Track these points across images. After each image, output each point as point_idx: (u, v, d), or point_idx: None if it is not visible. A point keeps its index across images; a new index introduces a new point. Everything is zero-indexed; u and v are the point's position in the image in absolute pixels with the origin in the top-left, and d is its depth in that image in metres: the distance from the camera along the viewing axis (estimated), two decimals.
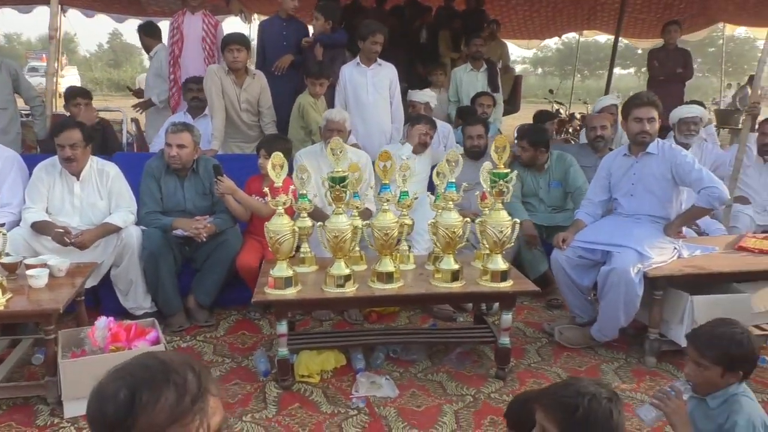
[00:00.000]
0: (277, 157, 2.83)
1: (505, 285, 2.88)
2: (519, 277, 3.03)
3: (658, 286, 3.07)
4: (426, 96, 4.76)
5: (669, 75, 6.43)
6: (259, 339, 3.43)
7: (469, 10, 8.49)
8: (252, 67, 4.63)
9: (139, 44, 5.62)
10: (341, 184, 2.78)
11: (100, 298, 3.57)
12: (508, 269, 2.92)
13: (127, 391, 0.97)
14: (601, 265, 3.18)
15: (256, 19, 10.96)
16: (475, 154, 4.21)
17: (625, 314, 3.09)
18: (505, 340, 2.95)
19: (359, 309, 3.64)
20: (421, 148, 4.24)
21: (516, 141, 4.29)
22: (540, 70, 41.69)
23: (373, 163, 3.30)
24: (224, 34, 4.74)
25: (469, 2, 8.58)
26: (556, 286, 3.67)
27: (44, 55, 16.04)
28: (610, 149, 4.31)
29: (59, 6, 9.82)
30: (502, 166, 2.86)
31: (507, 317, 2.92)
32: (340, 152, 2.81)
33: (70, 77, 19.46)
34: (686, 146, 4.13)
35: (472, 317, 3.61)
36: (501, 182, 2.84)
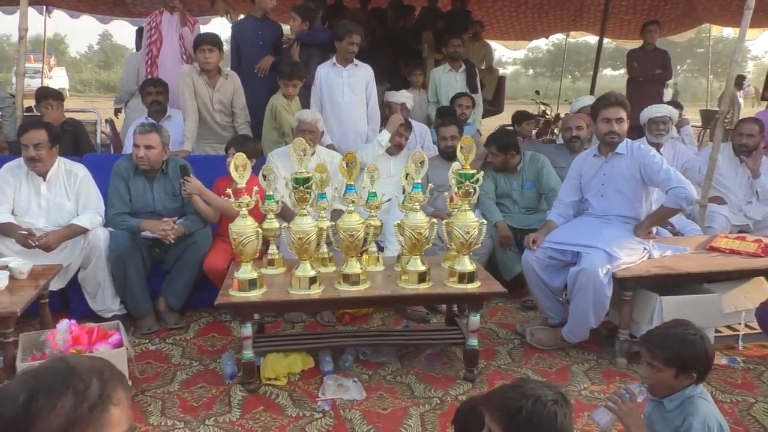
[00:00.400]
0: (240, 157, 2.80)
1: (473, 286, 2.86)
2: (487, 278, 3.01)
3: (628, 286, 3.05)
4: (402, 97, 4.74)
5: (647, 76, 6.43)
6: (229, 341, 3.40)
7: (453, 11, 8.49)
8: (226, 68, 4.59)
9: (129, 45, 5.59)
10: (305, 185, 2.75)
11: (69, 301, 3.53)
12: (475, 270, 2.90)
13: (26, 394, 0.98)
14: (571, 266, 3.16)
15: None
16: (450, 155, 4.18)
17: (595, 315, 3.08)
18: (473, 341, 2.93)
19: (332, 311, 3.62)
20: (396, 149, 4.22)
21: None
22: (531, 71, 41.75)
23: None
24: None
25: (454, 3, 8.58)
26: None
27: (32, 57, 15.95)
28: (587, 150, 4.30)
29: (44, 7, 9.91)
30: (469, 167, 2.84)
31: (475, 319, 2.90)
32: (304, 153, 2.78)
33: (58, 78, 19.35)
34: (657, 146, 4.13)
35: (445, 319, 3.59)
36: (467, 183, 2.82)
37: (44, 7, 9.84)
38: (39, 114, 4.32)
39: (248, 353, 2.82)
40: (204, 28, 10.46)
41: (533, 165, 4.07)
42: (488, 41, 9.75)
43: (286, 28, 5.36)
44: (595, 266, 2.97)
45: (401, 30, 7.88)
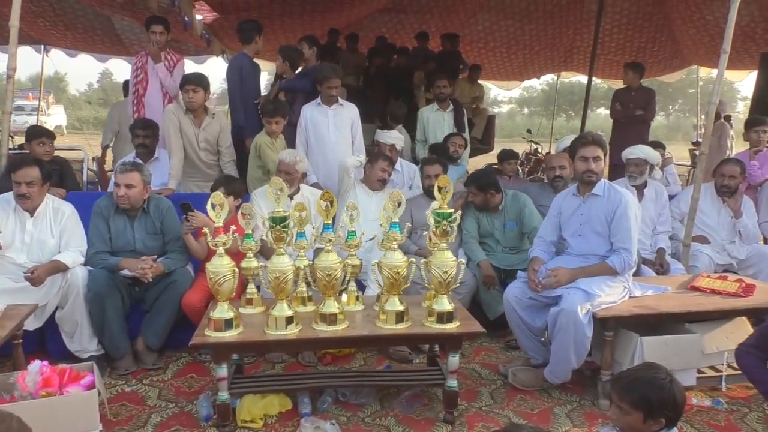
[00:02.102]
0: (217, 196, 2.81)
1: (451, 326, 2.83)
2: (467, 318, 2.98)
3: (608, 326, 3.03)
4: (391, 138, 4.78)
5: (628, 117, 6.51)
6: (207, 382, 3.34)
7: (444, 52, 8.66)
8: (212, 107, 4.65)
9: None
10: (282, 225, 2.76)
11: (45, 341, 3.48)
12: (454, 310, 2.87)
13: None
14: (552, 306, 3.14)
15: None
16: (429, 192, 4.21)
17: (576, 355, 3.05)
18: (452, 382, 2.89)
19: (313, 351, 3.57)
20: (379, 185, 4.24)
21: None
22: (526, 110, 42.28)
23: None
24: (183, 72, 4.85)
25: (444, 44, 8.77)
26: None
27: (30, 94, 16.16)
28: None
29: (42, 46, 10.08)
30: (446, 206, 2.85)
31: (454, 359, 2.86)
32: (282, 192, 2.79)
33: (56, 116, 19.56)
34: (638, 187, 4.14)
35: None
36: (445, 222, 2.82)
37: (42, 46, 10.03)
38: (28, 151, 4.34)
39: (223, 395, 2.77)
40: (200, 68, 10.67)
41: (515, 204, 4.08)
42: (482, 81, 9.95)
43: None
44: (574, 306, 2.95)
45: (393, 70, 8.03)
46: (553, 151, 10.49)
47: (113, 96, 38.08)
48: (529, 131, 10.29)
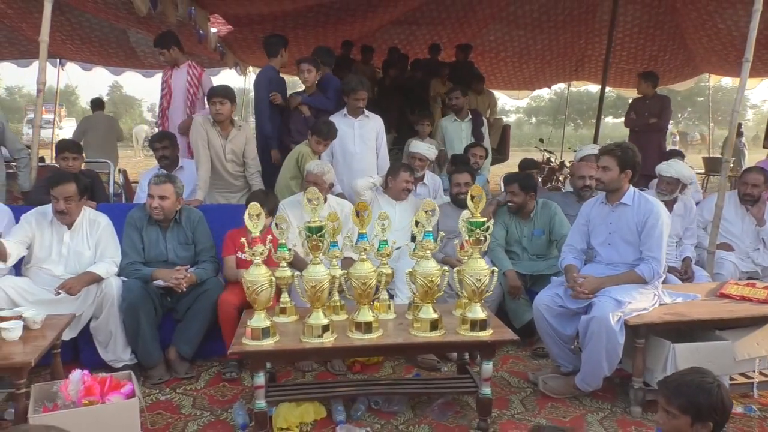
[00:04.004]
0: (254, 207, 2.85)
1: (485, 334, 2.86)
2: (499, 326, 3.01)
3: (640, 334, 3.05)
4: (430, 151, 4.87)
5: (642, 126, 6.54)
6: (240, 391, 3.38)
7: (457, 62, 8.73)
8: (238, 118, 4.72)
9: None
10: (318, 234, 2.80)
11: (79, 350, 3.52)
12: (487, 318, 2.90)
13: None
14: (582, 314, 3.16)
15: (251, 71, 11.27)
16: (462, 202, 4.23)
17: (608, 363, 3.06)
18: (486, 390, 2.91)
19: (342, 359, 3.60)
20: (404, 194, 4.28)
21: (504, 188, 4.33)
22: (534, 119, 42.36)
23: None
24: (212, 83, 5.01)
25: (458, 55, 8.84)
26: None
27: (44, 108, 16.30)
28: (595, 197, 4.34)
29: (58, 60, 10.21)
30: (479, 215, 2.88)
31: (487, 367, 2.88)
32: (317, 202, 2.83)
33: (68, 129, 19.72)
34: (668, 203, 4.13)
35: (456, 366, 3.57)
36: (478, 231, 2.86)
37: (58, 60, 10.16)
38: (56, 165, 4.42)
39: (261, 403, 2.80)
40: (213, 80, 10.79)
41: (545, 212, 4.11)
42: (492, 91, 10.00)
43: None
44: (606, 314, 2.97)
45: (408, 80, 8.09)
46: (566, 161, 10.53)
47: (123, 108, 38.57)
48: (541, 140, 10.28)
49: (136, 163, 15.47)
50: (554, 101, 36.41)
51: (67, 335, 3.27)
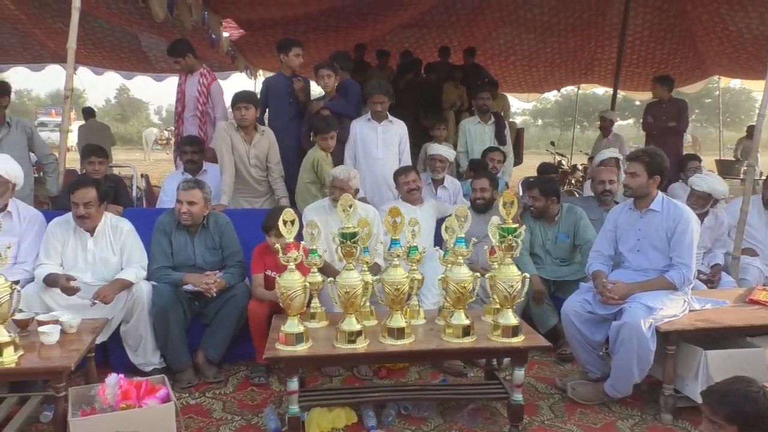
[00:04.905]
0: (288, 213, 2.87)
1: (517, 340, 2.87)
2: (530, 332, 3.02)
3: (671, 340, 3.05)
4: (449, 152, 4.88)
5: (661, 129, 6.54)
6: (269, 395, 3.39)
7: (466, 65, 8.75)
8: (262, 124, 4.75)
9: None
10: (352, 240, 2.81)
11: (109, 354, 3.54)
12: (519, 324, 2.91)
13: None
14: (611, 320, 3.17)
15: (261, 75, 11.32)
16: (480, 207, 4.25)
17: (639, 370, 3.06)
18: (518, 396, 2.92)
19: (369, 364, 3.62)
20: (415, 195, 4.29)
21: (524, 192, 4.34)
22: (540, 122, 42.38)
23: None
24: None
25: (465, 59, 8.86)
26: (565, 339, 3.65)
27: (53, 111, 16.41)
28: (616, 202, 4.35)
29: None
30: (510, 222, 2.90)
31: (519, 373, 2.89)
32: (350, 208, 2.85)
33: (77, 132, 19.78)
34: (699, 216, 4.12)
35: (483, 372, 3.58)
36: (510, 237, 2.87)
37: None
38: (83, 171, 4.45)
39: (294, 408, 2.81)
40: (224, 83, 10.78)
41: (570, 216, 4.11)
42: (503, 93, 10.01)
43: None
44: (637, 320, 2.98)
45: (422, 84, 8.11)
46: (578, 164, 10.53)
47: (130, 111, 38.76)
48: (552, 143, 10.32)
49: (146, 166, 15.51)
50: (560, 103, 36.46)
51: (98, 339, 3.28)
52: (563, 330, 3.53)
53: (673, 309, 3.12)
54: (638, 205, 3.34)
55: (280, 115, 5.19)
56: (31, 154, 4.50)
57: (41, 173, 4.54)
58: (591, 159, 8.06)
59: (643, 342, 2.98)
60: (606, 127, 7.27)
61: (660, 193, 3.31)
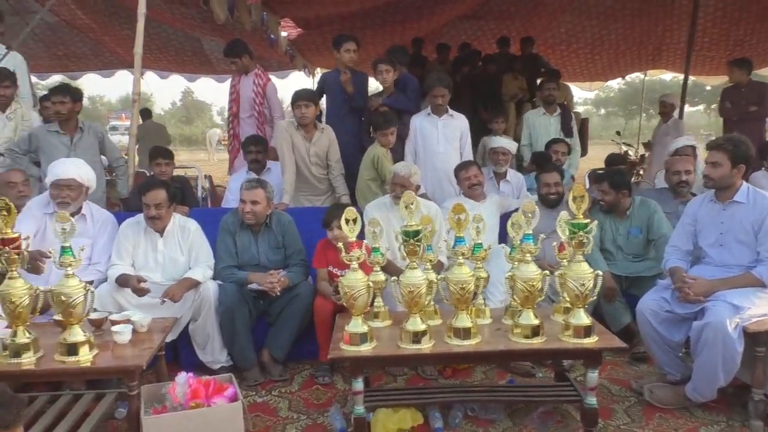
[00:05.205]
0: (350, 211, 2.84)
1: (590, 341, 2.73)
2: (603, 332, 2.88)
3: (761, 341, 2.84)
4: (511, 144, 4.78)
5: (741, 115, 6.15)
6: (333, 394, 3.39)
7: (524, 55, 8.53)
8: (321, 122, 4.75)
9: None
10: (415, 238, 2.75)
11: (179, 352, 3.62)
12: (592, 324, 2.78)
13: None
14: (691, 320, 2.98)
15: (319, 73, 11.41)
16: (551, 202, 4.08)
17: (725, 373, 2.86)
18: (591, 400, 2.78)
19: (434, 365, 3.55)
20: (477, 190, 4.18)
21: (591, 185, 4.16)
22: (603, 111, 41.00)
23: None
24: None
25: (523, 48, 8.63)
26: (640, 338, 3.47)
27: (123, 115, 17.13)
28: (692, 194, 4.11)
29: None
30: (581, 217, 2.76)
31: (593, 375, 2.76)
32: (413, 206, 2.78)
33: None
34: None
35: (552, 373, 3.45)
36: (581, 233, 2.73)
37: None
38: (151, 173, 4.58)
39: (359, 408, 2.78)
40: (283, 82, 11.00)
41: (644, 210, 3.90)
42: (565, 83, 9.71)
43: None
44: (722, 320, 2.78)
45: (480, 76, 7.95)
46: (646, 154, 10.07)
47: (194, 113, 40.09)
48: (618, 133, 9.90)
49: (210, 166, 15.94)
50: (625, 91, 35.10)
51: (167, 337, 3.35)
52: (638, 329, 3.36)
53: (763, 308, 2.89)
54: (720, 196, 3.13)
55: (335, 110, 5.21)
56: (103, 158, 4.65)
57: (113, 176, 4.69)
58: (648, 144, 7.71)
59: (729, 343, 2.78)
60: (667, 112, 6.94)
61: (745, 183, 3.09)
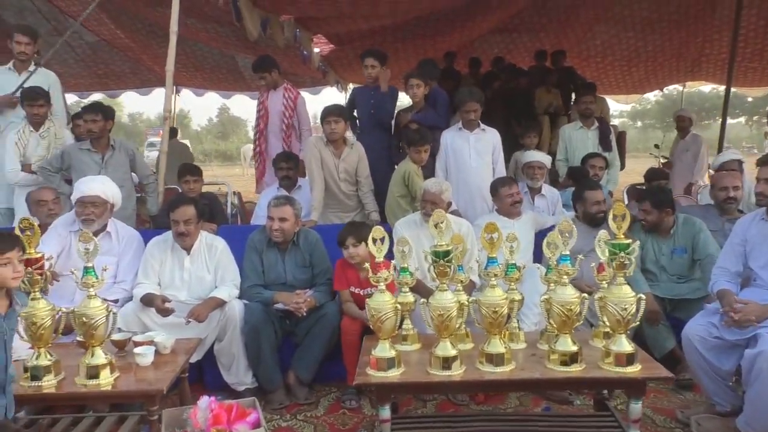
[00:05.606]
0: (378, 230, 2.74)
1: (633, 370, 2.56)
2: (647, 359, 2.70)
3: None
4: (546, 158, 4.66)
5: None
6: (360, 420, 3.27)
7: (559, 69, 8.36)
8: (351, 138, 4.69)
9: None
10: (445, 259, 2.63)
11: (204, 372, 3.56)
12: (635, 351, 2.61)
13: None
14: (743, 347, 2.78)
15: (351, 88, 11.44)
16: (598, 220, 3.90)
17: None
18: None
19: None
20: (518, 206, 4.04)
21: (630, 201, 3.98)
22: (639, 123, 40.17)
23: None
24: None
25: (554, 62, 8.46)
26: (685, 364, 3.27)
27: (161, 131, 17.45)
28: (740, 211, 3.89)
29: (174, 87, 10.88)
30: (622, 237, 2.60)
31: (636, 407, 2.58)
32: (443, 225, 2.67)
33: None
34: None
35: (591, 400, 3.27)
36: (622, 254, 2.58)
37: (174, 87, 10.79)
38: (180, 189, 4.58)
39: None
40: (315, 98, 11.06)
41: (688, 229, 3.70)
42: (601, 96, 9.49)
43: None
44: None
45: (512, 90, 7.81)
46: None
47: (230, 129, 40.84)
48: (657, 146, 9.55)
49: (245, 181, 16.08)
50: (662, 103, 34.33)
51: (192, 358, 3.29)
52: (683, 355, 3.16)
53: None
54: None
55: (364, 126, 5.17)
56: (134, 175, 4.66)
57: (143, 193, 4.70)
58: (667, 162, 7.52)
59: None
60: (684, 127, 6.70)
61: None
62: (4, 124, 4.78)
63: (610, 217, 2.62)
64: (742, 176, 4.46)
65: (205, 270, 3.56)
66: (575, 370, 2.60)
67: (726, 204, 3.93)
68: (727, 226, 3.78)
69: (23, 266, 2.38)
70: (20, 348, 2.67)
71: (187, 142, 14.78)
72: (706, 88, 14.68)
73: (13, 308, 2.35)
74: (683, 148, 6.94)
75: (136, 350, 2.78)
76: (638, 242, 2.65)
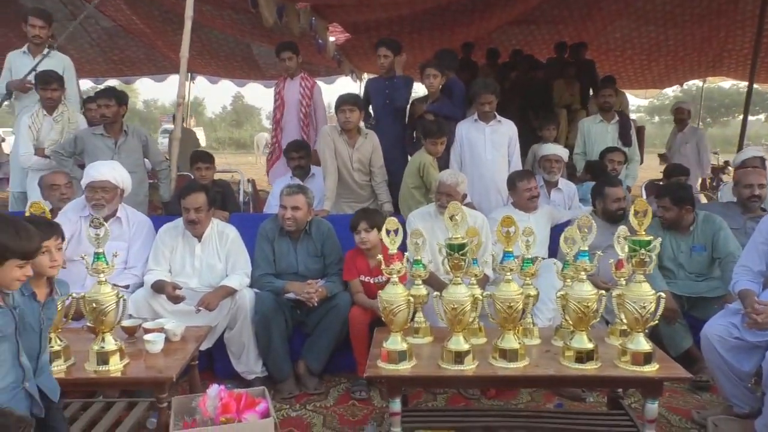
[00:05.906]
0: (392, 222, 2.69)
1: (650, 369, 2.50)
2: (665, 359, 2.64)
3: None
4: (563, 151, 4.60)
5: None
6: (370, 411, 3.24)
7: (578, 61, 8.23)
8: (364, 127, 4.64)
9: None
10: (460, 252, 2.58)
11: (214, 360, 3.55)
12: (652, 350, 2.54)
13: None
14: (764, 349, 2.70)
15: (366, 78, 11.37)
16: (618, 217, 3.82)
17: None
18: None
19: None
20: (535, 200, 3.98)
21: (648, 197, 3.90)
22: (657, 119, 39.62)
23: None
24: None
25: (574, 54, 8.34)
26: (702, 364, 3.21)
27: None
28: (763, 209, 3.80)
29: (189, 74, 10.88)
30: (643, 233, 2.54)
31: (652, 407, 2.51)
32: (459, 217, 2.61)
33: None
34: None
35: (605, 398, 3.21)
36: (642, 251, 2.51)
37: (189, 74, 10.81)
38: (191, 176, 4.56)
39: (396, 430, 2.62)
40: (330, 88, 11.01)
41: (708, 226, 3.62)
42: (621, 90, 9.35)
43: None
44: None
45: (529, 81, 7.70)
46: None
47: (244, 117, 40.92)
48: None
49: (258, 170, 16.09)
50: (680, 99, 33.82)
51: (202, 346, 3.27)
52: (700, 354, 3.09)
53: None
54: None
55: (378, 116, 5.12)
56: (146, 161, 4.65)
57: (156, 179, 4.69)
58: (664, 156, 7.38)
59: None
60: (683, 119, 6.55)
61: None
62: (18, 108, 4.77)
63: (631, 213, 2.56)
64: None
65: (216, 258, 3.54)
66: (590, 368, 2.54)
67: (750, 202, 3.83)
68: (749, 224, 3.69)
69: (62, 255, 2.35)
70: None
71: (201, 129, 14.80)
72: (726, 84, 14.44)
73: (53, 297, 2.31)
74: (682, 140, 6.80)
75: (146, 337, 2.76)
76: (659, 239, 2.58)
